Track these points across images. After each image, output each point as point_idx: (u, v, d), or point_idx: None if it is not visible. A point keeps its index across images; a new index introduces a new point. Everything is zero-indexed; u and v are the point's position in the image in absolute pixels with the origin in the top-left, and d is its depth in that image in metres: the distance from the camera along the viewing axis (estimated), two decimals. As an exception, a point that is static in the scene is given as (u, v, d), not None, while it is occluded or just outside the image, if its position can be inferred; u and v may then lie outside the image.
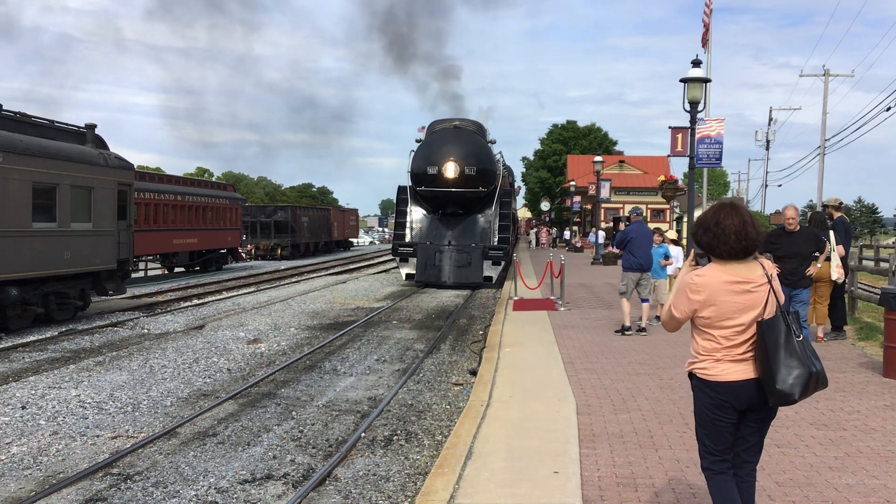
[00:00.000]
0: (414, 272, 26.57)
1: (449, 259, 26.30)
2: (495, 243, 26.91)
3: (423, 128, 30.01)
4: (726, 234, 3.97)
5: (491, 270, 26.24)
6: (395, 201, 29.45)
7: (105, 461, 7.40)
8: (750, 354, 3.99)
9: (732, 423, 4.05)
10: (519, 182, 73.61)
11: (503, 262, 26.69)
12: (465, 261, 26.19)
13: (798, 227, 10.57)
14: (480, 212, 28.04)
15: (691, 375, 4.17)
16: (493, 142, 29.80)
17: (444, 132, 28.52)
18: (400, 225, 28.38)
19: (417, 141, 28.94)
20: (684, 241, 17.75)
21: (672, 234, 17.11)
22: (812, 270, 10.49)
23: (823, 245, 10.82)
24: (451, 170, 26.83)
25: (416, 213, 28.32)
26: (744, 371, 3.98)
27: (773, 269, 4.10)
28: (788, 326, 3.92)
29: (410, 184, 28.19)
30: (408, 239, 27.66)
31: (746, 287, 3.97)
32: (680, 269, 15.68)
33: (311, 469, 7.29)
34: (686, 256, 15.96)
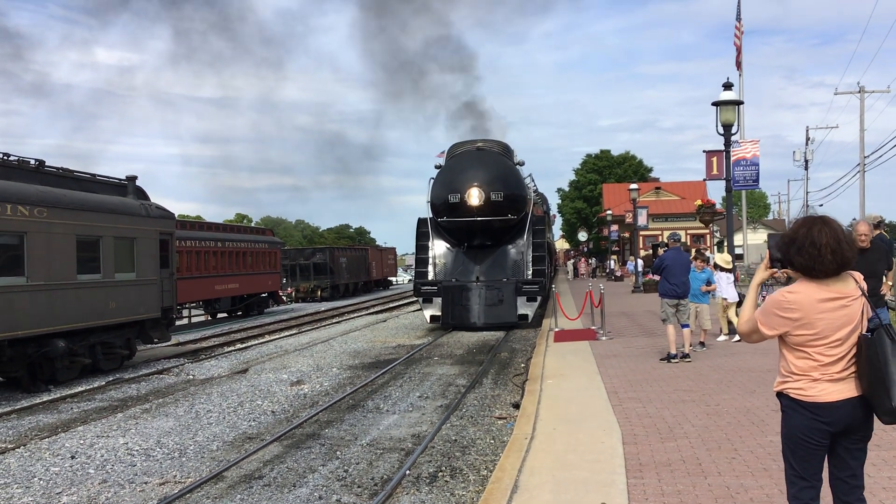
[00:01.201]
0: (439, 314, 23.77)
1: (478, 297, 23.48)
2: (529, 277, 24.18)
3: (443, 153, 26.81)
4: (822, 253, 3.78)
5: (526, 308, 23.42)
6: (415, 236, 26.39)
7: (154, 507, 7.47)
8: (848, 372, 3.82)
9: (825, 447, 3.86)
10: (554, 211, 72.75)
11: (539, 298, 23.90)
12: (497, 298, 23.40)
13: (869, 244, 10.26)
14: (511, 242, 25.21)
15: (781, 395, 3.96)
16: (522, 163, 26.82)
17: (465, 155, 25.52)
18: (421, 262, 25.57)
19: (437, 167, 25.84)
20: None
21: (722, 260, 16.64)
22: (885, 289, 10.15)
23: (892, 262, 10.51)
24: (475, 196, 23.99)
25: (438, 248, 25.48)
26: (843, 390, 3.80)
27: (863, 282, 3.95)
28: (892, 339, 3.75)
29: (431, 215, 25.27)
30: (430, 277, 24.87)
31: (843, 302, 3.82)
32: (723, 297, 15.43)
33: (358, 508, 7.27)
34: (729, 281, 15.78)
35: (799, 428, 3.85)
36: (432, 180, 25.24)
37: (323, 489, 7.94)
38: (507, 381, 14.13)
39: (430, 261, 25.24)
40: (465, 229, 24.72)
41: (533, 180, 30.15)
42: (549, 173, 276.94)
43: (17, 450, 10.22)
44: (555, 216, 66.83)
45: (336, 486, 8.03)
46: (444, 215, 24.69)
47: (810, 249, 3.81)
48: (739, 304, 16.10)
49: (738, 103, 16.94)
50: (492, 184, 24.28)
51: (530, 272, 24.40)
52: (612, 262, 53.65)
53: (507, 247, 25.22)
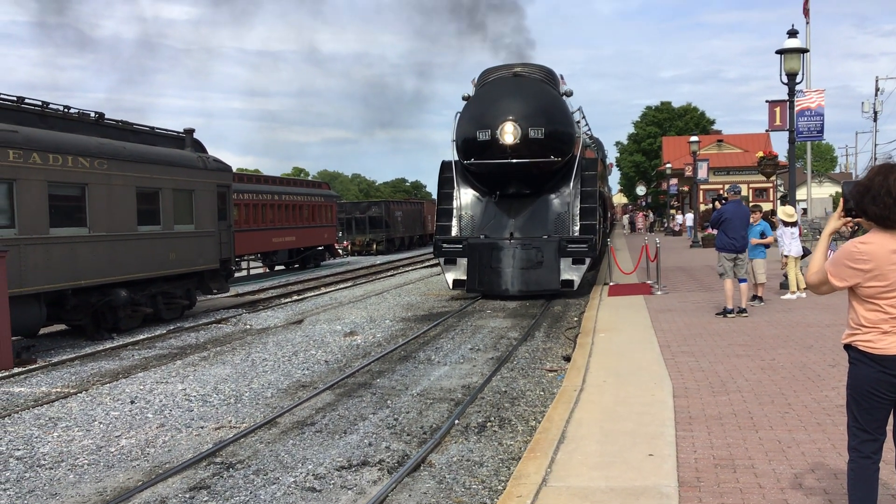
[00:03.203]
0: (464, 278, 19.72)
1: (511, 258, 19.35)
2: (576, 233, 19.74)
3: (474, 80, 21.96)
4: None
5: (571, 272, 19.06)
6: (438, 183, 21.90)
7: (209, 451, 7.65)
8: None
9: (892, 400, 3.80)
10: (611, 160, 69.99)
11: (588, 259, 19.38)
12: (535, 260, 19.26)
13: None
14: (554, 191, 20.61)
15: (849, 347, 3.92)
16: (570, 94, 21.55)
17: (499, 83, 20.73)
18: (444, 214, 21.14)
19: (465, 98, 21.14)
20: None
21: (784, 214, 15.80)
22: None
23: None
24: (509, 133, 19.37)
25: (465, 197, 21.07)
26: None
27: None
28: None
29: (456, 157, 20.89)
30: (454, 232, 20.68)
31: None
32: (785, 253, 14.93)
33: (406, 455, 7.35)
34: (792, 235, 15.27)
35: (866, 381, 3.80)
36: (458, 115, 20.88)
37: (373, 436, 8.04)
38: (559, 335, 14.09)
39: (455, 213, 21.05)
40: (497, 174, 20.30)
41: (584, 116, 25.17)
42: (607, 126, 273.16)
43: (79, 394, 10.56)
44: (611, 165, 64.46)
45: (386, 434, 8.12)
46: (472, 157, 20.25)
47: (885, 198, 3.69)
48: (803, 258, 15.64)
49: (804, 51, 16.37)
50: (530, 118, 19.69)
51: (577, 228, 20.02)
52: (679, 216, 52.13)
53: (550, 196, 20.74)
